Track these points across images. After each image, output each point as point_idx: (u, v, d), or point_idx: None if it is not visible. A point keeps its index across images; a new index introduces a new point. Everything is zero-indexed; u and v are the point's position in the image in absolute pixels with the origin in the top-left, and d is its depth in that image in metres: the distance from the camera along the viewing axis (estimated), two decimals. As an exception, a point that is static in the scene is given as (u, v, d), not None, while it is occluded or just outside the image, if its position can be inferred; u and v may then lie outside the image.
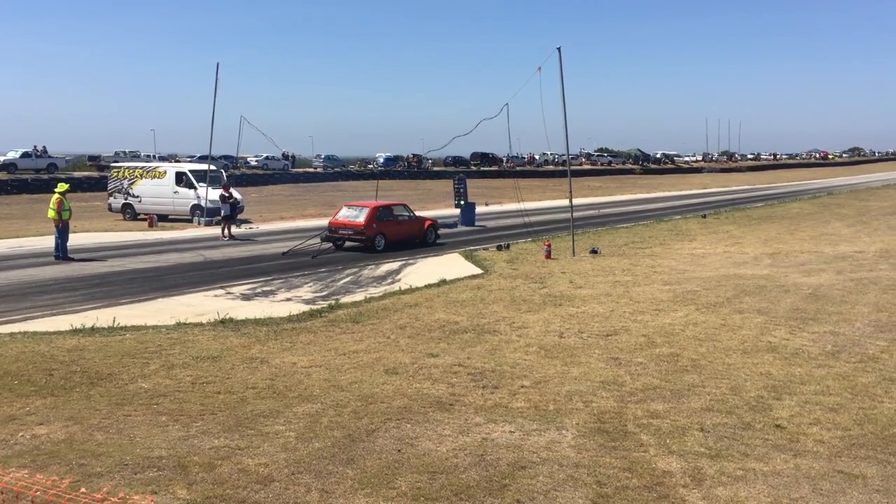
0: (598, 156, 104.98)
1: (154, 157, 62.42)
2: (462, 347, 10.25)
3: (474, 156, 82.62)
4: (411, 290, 14.84)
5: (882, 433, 7.08)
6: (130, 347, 10.13)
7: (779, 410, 7.70)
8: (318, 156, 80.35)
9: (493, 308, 12.92)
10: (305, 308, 13.20)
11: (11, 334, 10.87)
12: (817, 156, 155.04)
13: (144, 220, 29.78)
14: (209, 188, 29.32)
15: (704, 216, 33.12)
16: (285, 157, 70.59)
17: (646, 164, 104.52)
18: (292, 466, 6.27)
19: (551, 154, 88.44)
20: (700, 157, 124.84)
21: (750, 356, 9.73)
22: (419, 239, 23.41)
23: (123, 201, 31.86)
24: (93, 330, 11.14)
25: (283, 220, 32.57)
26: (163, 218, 30.22)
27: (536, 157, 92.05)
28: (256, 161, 69.48)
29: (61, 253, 19.47)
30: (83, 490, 4.79)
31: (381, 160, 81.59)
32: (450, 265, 18.78)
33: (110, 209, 32.74)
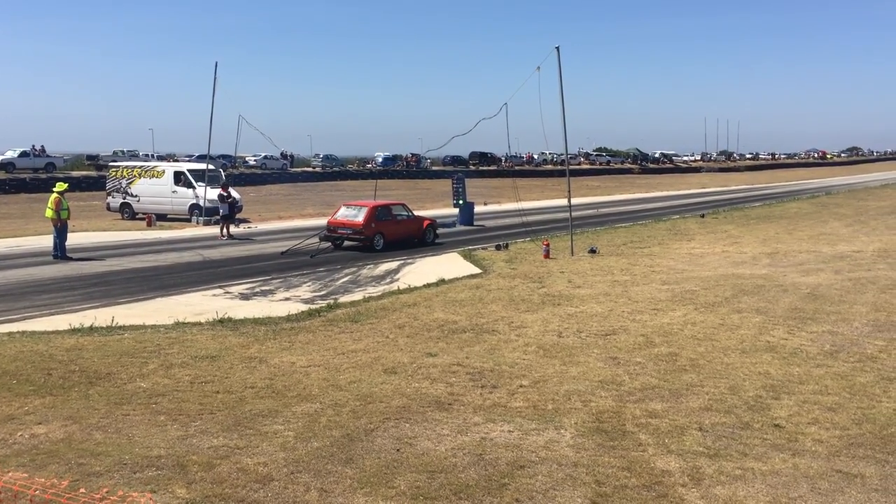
0: (596, 155, 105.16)
1: (152, 156, 62.51)
2: (461, 347, 10.25)
3: (473, 155, 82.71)
4: (410, 290, 14.84)
5: (880, 432, 7.08)
6: (129, 347, 10.12)
7: (777, 410, 7.70)
8: (317, 155, 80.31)
9: (491, 308, 12.92)
10: (304, 307, 13.19)
11: (10, 334, 10.86)
12: (816, 155, 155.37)
13: (143, 219, 29.75)
14: (207, 187, 29.28)
15: (703, 216, 33.10)
16: (284, 156, 70.54)
17: (644, 164, 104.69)
18: (291, 466, 6.26)
19: (550, 153, 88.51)
20: (698, 157, 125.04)
21: (748, 356, 9.73)
22: (418, 238, 23.42)
23: (122, 201, 31.86)
24: (91, 329, 11.13)
25: (281, 220, 32.59)
26: (161, 217, 30.20)
27: (535, 156, 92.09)
28: (255, 160, 69.45)
29: (60, 252, 19.46)
30: (82, 489, 4.79)
31: (380, 160, 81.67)
32: (448, 265, 18.79)
33: (108, 208, 32.76)
